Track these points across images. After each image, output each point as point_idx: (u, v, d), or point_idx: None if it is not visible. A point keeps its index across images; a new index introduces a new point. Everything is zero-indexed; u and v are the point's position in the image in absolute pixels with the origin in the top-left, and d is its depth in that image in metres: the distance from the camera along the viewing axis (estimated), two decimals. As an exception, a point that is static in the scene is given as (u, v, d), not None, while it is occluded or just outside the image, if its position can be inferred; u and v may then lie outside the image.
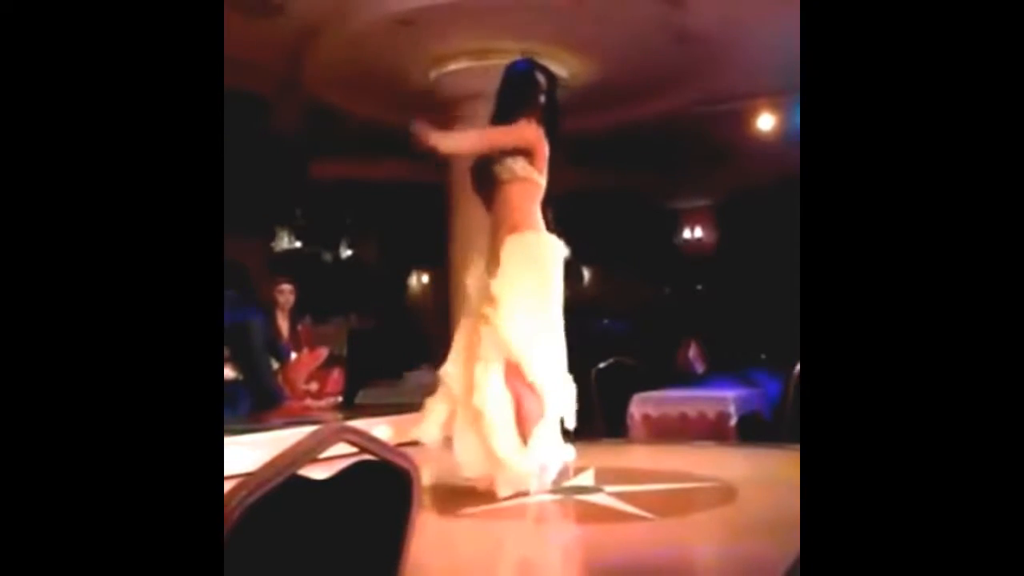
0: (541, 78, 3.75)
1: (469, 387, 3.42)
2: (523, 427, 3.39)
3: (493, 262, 3.56)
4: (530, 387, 3.40)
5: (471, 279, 3.69)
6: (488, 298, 3.46)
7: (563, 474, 3.55)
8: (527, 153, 3.59)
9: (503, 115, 3.68)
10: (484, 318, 3.46)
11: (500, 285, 3.45)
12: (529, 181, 3.60)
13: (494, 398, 3.37)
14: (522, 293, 3.45)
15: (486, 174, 3.67)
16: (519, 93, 3.70)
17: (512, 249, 3.50)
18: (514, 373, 3.40)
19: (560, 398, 3.50)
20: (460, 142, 3.80)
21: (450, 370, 3.54)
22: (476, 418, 3.37)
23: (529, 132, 3.60)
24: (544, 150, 3.62)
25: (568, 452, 3.55)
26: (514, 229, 3.55)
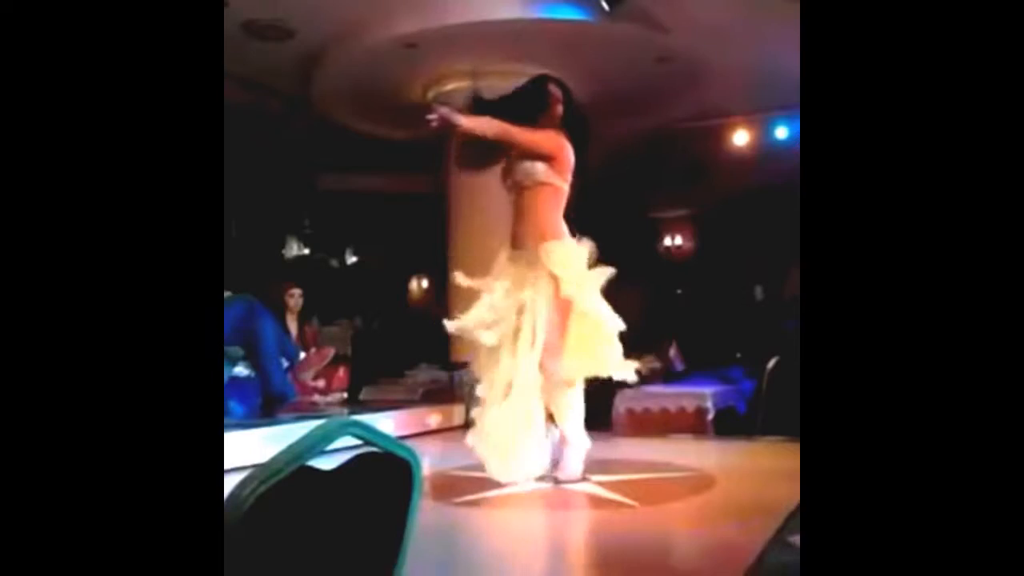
0: (555, 90, 3.62)
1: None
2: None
3: (525, 272, 3.46)
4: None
5: (494, 295, 3.48)
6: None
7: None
8: (547, 159, 3.48)
9: (518, 123, 3.49)
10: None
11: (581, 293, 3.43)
12: (550, 186, 3.50)
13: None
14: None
15: (511, 184, 3.58)
16: (530, 104, 3.56)
17: (560, 257, 3.43)
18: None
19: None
20: (480, 124, 3.62)
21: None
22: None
23: (542, 136, 3.49)
24: (565, 156, 3.51)
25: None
26: (543, 238, 3.45)
